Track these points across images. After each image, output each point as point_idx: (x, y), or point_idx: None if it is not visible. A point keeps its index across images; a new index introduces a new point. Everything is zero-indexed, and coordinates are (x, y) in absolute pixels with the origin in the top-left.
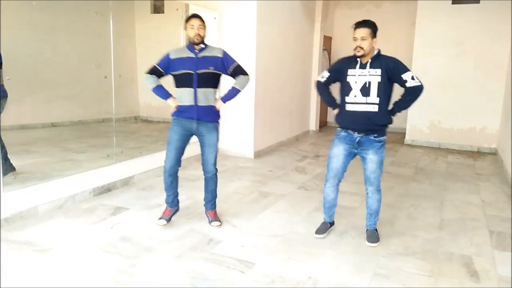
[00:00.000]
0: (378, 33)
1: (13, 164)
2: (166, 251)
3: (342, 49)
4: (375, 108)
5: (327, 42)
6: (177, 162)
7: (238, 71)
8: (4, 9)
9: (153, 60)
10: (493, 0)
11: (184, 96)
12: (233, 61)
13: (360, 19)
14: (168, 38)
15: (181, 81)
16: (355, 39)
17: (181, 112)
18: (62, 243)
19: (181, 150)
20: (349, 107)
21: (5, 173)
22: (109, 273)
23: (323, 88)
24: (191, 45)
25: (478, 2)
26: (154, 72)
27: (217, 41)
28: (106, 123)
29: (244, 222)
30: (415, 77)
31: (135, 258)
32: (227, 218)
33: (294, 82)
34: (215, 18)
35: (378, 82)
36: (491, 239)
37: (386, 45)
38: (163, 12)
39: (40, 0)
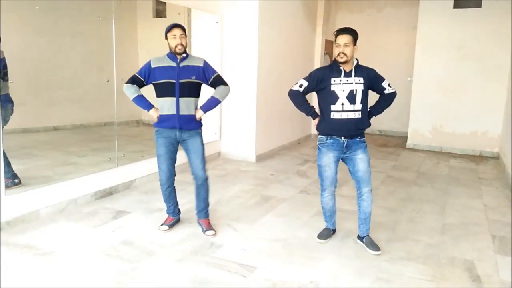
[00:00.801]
0: (382, 41)
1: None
2: (167, 255)
3: None
4: (360, 115)
5: (328, 45)
6: (172, 173)
7: (218, 81)
8: (7, 13)
9: None
10: (494, 4)
11: (166, 105)
12: (214, 71)
13: (366, 26)
14: None
15: (162, 91)
16: (337, 45)
17: (163, 121)
18: (63, 246)
19: (172, 161)
20: (335, 115)
21: (10, 185)
22: (111, 277)
23: (301, 97)
24: (172, 54)
25: (480, 7)
26: (135, 81)
27: (219, 45)
28: (108, 126)
29: (246, 226)
30: (390, 85)
31: (136, 261)
32: (229, 222)
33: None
34: (217, 22)
35: (362, 90)
36: (493, 244)
37: (388, 49)
38: (165, 16)
39: (44, 3)
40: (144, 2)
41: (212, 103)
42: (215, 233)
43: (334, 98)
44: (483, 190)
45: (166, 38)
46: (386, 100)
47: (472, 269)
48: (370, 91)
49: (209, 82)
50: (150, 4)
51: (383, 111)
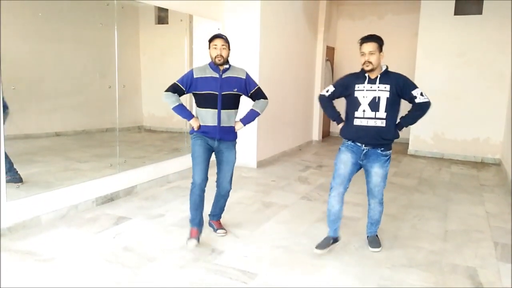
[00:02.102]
0: (384, 47)
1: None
2: (168, 261)
3: (345, 60)
4: (383, 123)
5: (330, 52)
6: (206, 177)
7: (258, 94)
8: (10, 20)
9: (157, 71)
10: (495, 11)
11: (208, 116)
12: (255, 84)
13: (367, 33)
14: (172, 49)
15: (204, 102)
16: (363, 54)
17: (203, 132)
18: (64, 252)
19: (208, 163)
20: (357, 122)
21: (12, 180)
22: (111, 283)
23: (327, 102)
24: (214, 65)
25: (481, 13)
26: (175, 89)
27: None
28: (110, 132)
29: (247, 233)
30: (423, 94)
31: (137, 268)
32: (230, 228)
33: (297, 92)
34: (218, 28)
35: (387, 98)
36: (496, 251)
37: (389, 56)
38: (167, 23)
39: (47, 10)
40: (146, 8)
41: (252, 116)
42: (226, 232)
43: (356, 104)
44: (485, 196)
45: (209, 48)
46: (417, 110)
47: (474, 277)
48: (403, 100)
49: (249, 94)
50: (152, 10)
51: (414, 122)
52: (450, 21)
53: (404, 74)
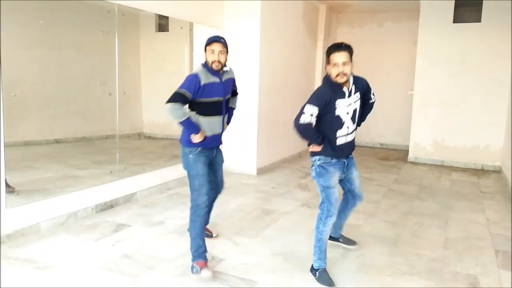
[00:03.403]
0: (383, 55)
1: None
2: (168, 269)
3: None
4: (355, 133)
5: None
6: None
7: (236, 91)
8: (11, 27)
9: (158, 78)
10: (494, 19)
11: (214, 125)
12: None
13: (367, 40)
14: (173, 56)
15: (211, 109)
16: (335, 64)
17: (207, 142)
18: (63, 260)
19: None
20: (341, 140)
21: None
22: None
23: (313, 129)
24: (212, 69)
25: (479, 21)
26: (182, 99)
27: None
28: (110, 139)
29: (247, 240)
30: (374, 93)
31: (137, 276)
32: (230, 235)
33: (296, 99)
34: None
35: (360, 106)
36: (496, 259)
37: (388, 63)
38: (167, 31)
39: (48, 18)
40: (147, 16)
41: (232, 114)
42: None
43: (339, 123)
44: (485, 204)
45: (205, 50)
46: (369, 109)
47: (475, 284)
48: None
49: (232, 91)
50: (153, 18)
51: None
52: (449, 29)
53: (396, 81)
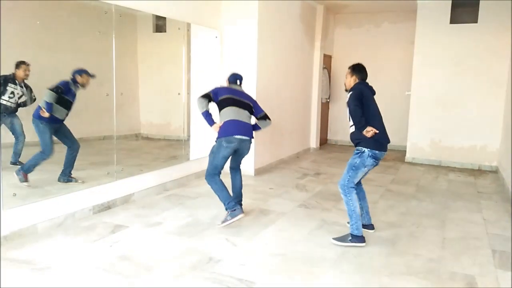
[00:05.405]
0: (381, 55)
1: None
2: (166, 270)
3: (342, 68)
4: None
5: (327, 60)
6: None
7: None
8: (8, 28)
9: (155, 78)
10: (490, 19)
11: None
12: None
13: (364, 41)
14: (170, 57)
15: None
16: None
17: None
18: (61, 261)
19: None
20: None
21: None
22: None
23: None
24: None
25: (476, 22)
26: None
27: (219, 59)
28: (107, 140)
29: (245, 241)
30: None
31: (134, 277)
32: (227, 236)
33: (294, 100)
34: (216, 37)
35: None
36: (494, 259)
37: (386, 64)
38: (165, 31)
39: (45, 18)
40: (144, 17)
41: None
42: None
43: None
44: (482, 204)
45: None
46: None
47: (473, 284)
48: (364, 106)
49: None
50: (150, 19)
51: None
52: (446, 29)
53: (393, 81)
